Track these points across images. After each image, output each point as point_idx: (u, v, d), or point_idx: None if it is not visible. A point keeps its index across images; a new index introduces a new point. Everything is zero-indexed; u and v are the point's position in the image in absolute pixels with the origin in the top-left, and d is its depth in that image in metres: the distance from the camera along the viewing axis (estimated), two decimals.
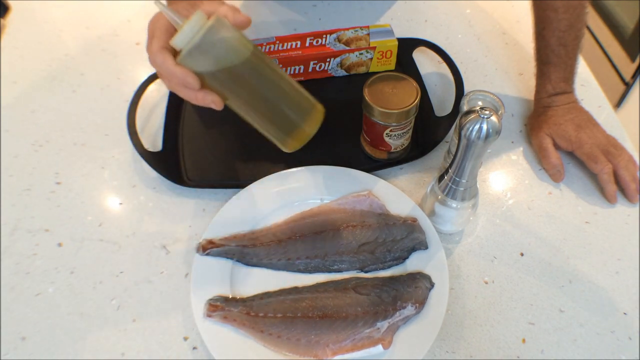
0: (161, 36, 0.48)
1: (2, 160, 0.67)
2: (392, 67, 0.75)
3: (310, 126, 0.52)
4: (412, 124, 0.60)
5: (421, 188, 0.63)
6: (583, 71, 0.75)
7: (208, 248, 0.55)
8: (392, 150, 0.62)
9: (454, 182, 0.51)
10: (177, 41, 0.46)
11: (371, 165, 0.64)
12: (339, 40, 0.72)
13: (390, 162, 0.64)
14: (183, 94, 0.48)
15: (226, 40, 0.47)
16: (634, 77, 1.40)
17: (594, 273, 0.56)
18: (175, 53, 0.47)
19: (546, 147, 0.63)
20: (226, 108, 0.51)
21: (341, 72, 0.75)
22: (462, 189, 0.51)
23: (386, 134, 0.59)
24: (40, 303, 0.54)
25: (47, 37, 0.85)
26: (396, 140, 0.61)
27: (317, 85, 0.73)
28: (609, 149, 0.62)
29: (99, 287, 0.56)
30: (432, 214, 0.57)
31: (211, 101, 0.49)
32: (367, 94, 0.57)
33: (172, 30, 0.47)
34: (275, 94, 0.51)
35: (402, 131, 0.60)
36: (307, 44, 0.72)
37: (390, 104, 0.56)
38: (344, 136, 0.67)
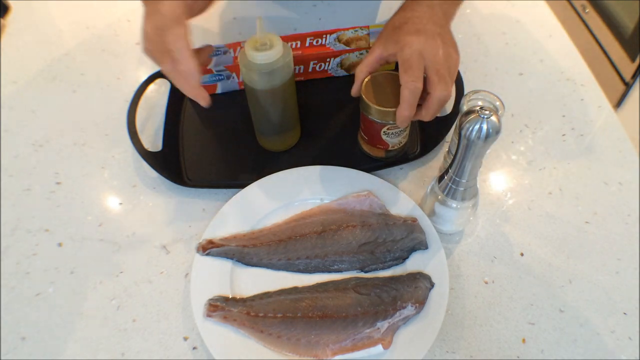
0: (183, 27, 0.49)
1: (2, 160, 0.67)
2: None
3: (286, 141, 0.66)
4: (409, 123, 0.60)
5: (421, 188, 0.63)
6: (583, 71, 0.75)
7: (208, 248, 0.55)
8: (390, 148, 0.62)
9: (454, 182, 0.51)
10: (262, 58, 0.53)
11: (371, 165, 0.64)
12: (339, 40, 0.72)
13: (389, 160, 0.64)
14: (179, 82, 0.50)
15: (290, 62, 0.56)
16: (634, 77, 1.40)
17: (594, 273, 0.56)
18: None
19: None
20: (223, 105, 0.53)
21: (341, 72, 0.75)
22: (462, 189, 0.51)
23: (383, 132, 0.59)
24: (40, 303, 0.55)
25: (47, 37, 0.85)
26: (393, 138, 0.61)
27: (317, 85, 0.74)
28: (443, 73, 0.51)
29: (99, 287, 0.56)
30: (432, 214, 0.57)
31: (203, 98, 0.51)
32: (364, 92, 0.57)
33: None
34: (286, 108, 0.61)
35: (400, 129, 0.60)
36: (307, 44, 0.72)
37: (388, 102, 0.56)
38: (344, 136, 0.67)
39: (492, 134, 0.44)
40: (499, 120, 0.44)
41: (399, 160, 0.64)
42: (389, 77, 0.59)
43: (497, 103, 0.55)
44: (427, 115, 0.54)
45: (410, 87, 0.51)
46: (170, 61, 0.49)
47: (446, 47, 0.53)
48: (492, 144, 0.45)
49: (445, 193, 0.53)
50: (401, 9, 0.58)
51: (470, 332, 0.52)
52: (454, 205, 0.53)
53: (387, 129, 0.59)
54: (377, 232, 0.56)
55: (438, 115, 0.68)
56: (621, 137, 0.66)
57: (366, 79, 0.58)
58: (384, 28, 0.57)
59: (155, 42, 0.49)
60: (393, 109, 0.56)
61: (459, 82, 0.70)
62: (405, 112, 0.52)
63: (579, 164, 0.65)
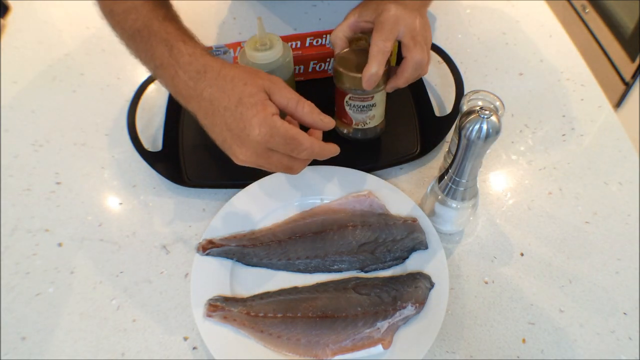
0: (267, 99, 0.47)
1: (2, 160, 0.67)
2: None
3: None
4: (377, 100, 0.58)
5: (421, 188, 0.63)
6: (583, 71, 0.76)
7: (208, 248, 0.55)
8: (354, 125, 0.62)
9: (454, 182, 0.51)
10: (262, 58, 0.55)
11: (371, 165, 0.64)
12: None
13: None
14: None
15: (290, 62, 0.59)
16: (634, 77, 1.40)
17: (594, 273, 0.56)
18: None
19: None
20: None
21: None
22: (462, 189, 0.51)
23: (346, 102, 0.59)
24: (40, 303, 0.55)
25: (47, 37, 0.85)
26: (357, 113, 0.60)
27: (317, 85, 0.73)
28: (419, 39, 0.53)
29: (99, 287, 0.56)
30: (432, 214, 0.57)
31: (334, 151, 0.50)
32: (338, 61, 0.56)
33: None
34: None
35: (363, 104, 0.58)
36: (307, 44, 0.72)
37: (354, 69, 0.55)
38: None
39: (492, 134, 0.44)
40: (499, 120, 0.44)
41: (399, 161, 0.64)
42: (365, 53, 0.55)
43: (497, 103, 0.55)
44: (400, 79, 0.53)
45: (379, 45, 0.51)
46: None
47: (423, 19, 0.54)
48: (492, 144, 0.45)
49: (445, 193, 0.53)
50: None
51: (470, 332, 0.52)
52: (454, 205, 0.53)
53: (350, 98, 0.58)
54: (377, 232, 0.56)
55: (438, 115, 0.69)
56: (621, 137, 0.66)
57: (344, 51, 0.57)
58: (361, 2, 0.57)
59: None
60: (357, 74, 0.54)
61: (459, 82, 0.70)
62: (371, 68, 0.51)
63: (579, 164, 0.65)
